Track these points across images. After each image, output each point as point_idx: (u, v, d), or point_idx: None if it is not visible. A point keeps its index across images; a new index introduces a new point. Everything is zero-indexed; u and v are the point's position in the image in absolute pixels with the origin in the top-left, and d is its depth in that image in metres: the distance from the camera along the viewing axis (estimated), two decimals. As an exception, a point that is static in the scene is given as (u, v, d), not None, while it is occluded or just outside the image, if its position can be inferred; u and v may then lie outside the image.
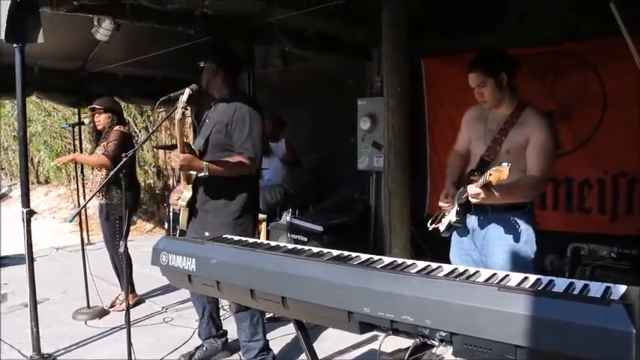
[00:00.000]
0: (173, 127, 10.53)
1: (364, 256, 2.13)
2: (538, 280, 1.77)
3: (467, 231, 3.19)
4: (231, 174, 3.42)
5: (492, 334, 1.49)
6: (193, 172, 3.47)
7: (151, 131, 10.55)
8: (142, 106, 10.56)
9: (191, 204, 3.61)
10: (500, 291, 1.53)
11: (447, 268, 1.93)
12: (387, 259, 2.06)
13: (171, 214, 7.75)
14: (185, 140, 3.32)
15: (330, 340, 4.09)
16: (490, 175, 2.48)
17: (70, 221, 3.35)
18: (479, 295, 1.55)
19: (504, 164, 2.44)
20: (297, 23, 5.45)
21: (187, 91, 3.10)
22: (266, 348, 3.65)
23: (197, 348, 3.98)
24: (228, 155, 3.44)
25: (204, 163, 3.27)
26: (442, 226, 3.22)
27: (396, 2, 4.79)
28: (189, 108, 3.22)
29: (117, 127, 4.96)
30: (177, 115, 3.14)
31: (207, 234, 3.25)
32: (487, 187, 2.62)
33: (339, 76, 6.73)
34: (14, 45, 3.59)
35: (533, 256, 3.07)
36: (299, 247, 2.37)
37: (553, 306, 1.43)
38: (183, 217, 3.66)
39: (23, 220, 3.69)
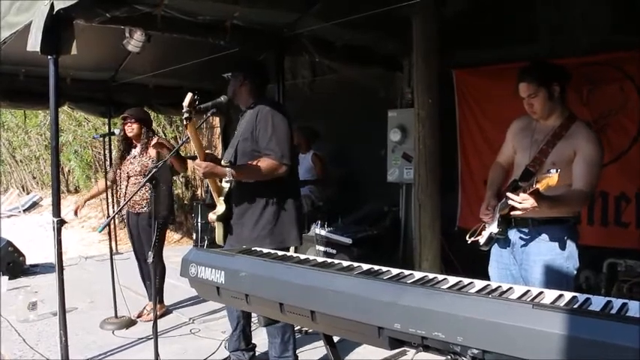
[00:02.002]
0: (202, 137, 10.66)
1: (395, 271, 2.10)
2: (574, 297, 1.74)
3: (507, 245, 3.13)
4: (258, 177, 3.37)
5: (526, 352, 1.44)
6: (225, 186, 3.48)
7: (180, 142, 10.64)
8: (172, 116, 10.65)
9: (226, 219, 3.58)
10: (535, 309, 1.49)
11: (479, 284, 1.91)
12: (417, 274, 2.04)
13: (199, 224, 7.80)
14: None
15: (358, 354, 4.06)
16: (537, 182, 2.42)
17: (101, 231, 3.37)
18: (512, 312, 1.51)
19: (553, 171, 2.38)
20: (327, 34, 5.44)
21: (189, 96, 3.01)
22: None
23: None
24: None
25: (227, 168, 3.27)
26: (482, 239, 3.15)
27: (427, 13, 4.74)
28: (204, 113, 3.17)
29: (156, 139, 4.98)
30: (184, 118, 3.05)
31: (244, 247, 3.23)
32: (536, 194, 2.56)
33: (369, 87, 6.70)
34: (49, 57, 3.63)
35: (575, 272, 3.01)
36: (329, 260, 2.34)
37: (589, 325, 1.38)
38: (219, 232, 3.65)
39: (54, 230, 3.71)
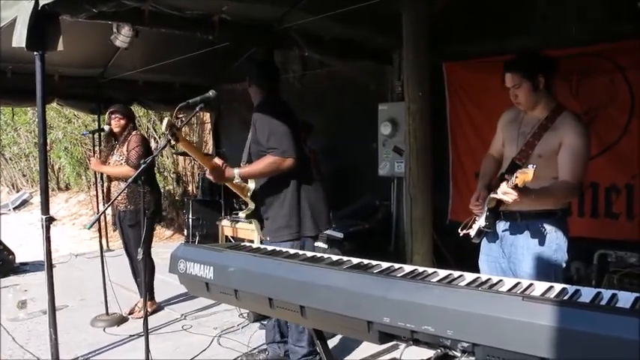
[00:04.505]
0: (192, 133, 10.62)
1: (384, 265, 2.09)
2: (564, 289, 1.74)
3: (495, 238, 3.12)
4: (265, 174, 3.50)
5: (516, 345, 1.45)
6: (250, 187, 3.60)
7: (158, 150, 10.58)
8: (162, 112, 10.60)
9: (257, 216, 3.72)
10: (525, 301, 1.49)
11: (469, 277, 1.90)
12: (407, 268, 2.03)
13: (190, 220, 7.75)
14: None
15: (350, 349, 4.04)
16: (517, 177, 2.42)
17: (89, 228, 3.34)
18: (502, 305, 1.51)
19: (530, 166, 2.39)
20: (317, 28, 5.42)
21: (166, 120, 3.08)
22: (311, 354, 3.63)
23: (260, 351, 4.02)
24: None
25: (235, 170, 3.40)
26: (472, 232, 3.14)
27: (417, 6, 4.72)
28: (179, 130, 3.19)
29: (134, 132, 4.99)
30: (167, 141, 3.17)
31: (268, 239, 3.51)
32: (517, 189, 2.55)
33: (359, 80, 6.68)
34: (34, 53, 3.59)
35: (564, 265, 2.99)
36: (318, 255, 2.33)
37: (579, 317, 1.39)
38: (257, 228, 3.80)
39: (42, 227, 3.68)
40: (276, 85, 3.78)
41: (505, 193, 2.59)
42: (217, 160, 3.47)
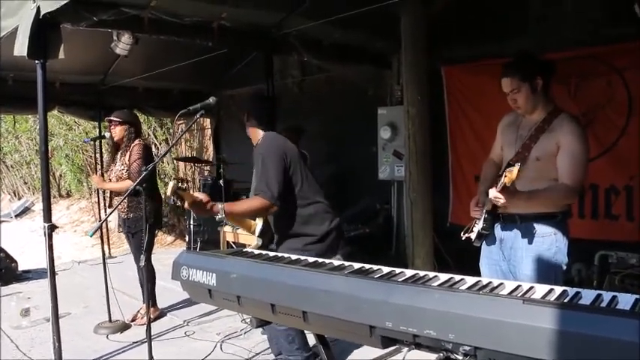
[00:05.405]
0: (193, 139, 10.64)
1: (386, 269, 2.09)
2: (564, 292, 1.73)
3: (495, 241, 3.12)
4: (249, 215, 3.54)
5: (517, 348, 1.45)
6: (257, 223, 3.64)
7: (170, 144, 10.60)
8: (162, 118, 10.63)
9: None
10: (525, 304, 1.49)
11: (470, 280, 1.90)
12: (408, 272, 2.03)
13: (192, 226, 7.76)
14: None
15: (353, 353, 4.06)
16: (505, 176, 2.44)
17: (92, 235, 3.35)
18: (503, 308, 1.51)
19: (516, 165, 2.41)
20: (315, 33, 5.43)
21: (171, 185, 3.06)
22: (308, 359, 3.65)
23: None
24: None
25: (220, 206, 3.26)
26: (473, 235, 3.15)
27: (415, 10, 4.75)
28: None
29: (137, 142, 4.93)
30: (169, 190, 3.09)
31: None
32: (506, 190, 2.56)
33: (358, 85, 6.70)
34: (36, 61, 3.61)
35: (564, 267, 2.99)
36: (320, 260, 2.34)
37: (580, 319, 1.38)
38: None
39: (45, 235, 3.70)
40: (274, 120, 3.78)
41: (495, 197, 2.62)
42: (201, 196, 3.24)
